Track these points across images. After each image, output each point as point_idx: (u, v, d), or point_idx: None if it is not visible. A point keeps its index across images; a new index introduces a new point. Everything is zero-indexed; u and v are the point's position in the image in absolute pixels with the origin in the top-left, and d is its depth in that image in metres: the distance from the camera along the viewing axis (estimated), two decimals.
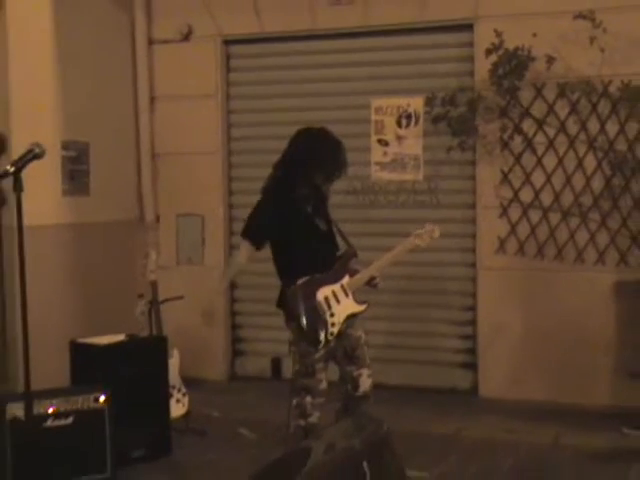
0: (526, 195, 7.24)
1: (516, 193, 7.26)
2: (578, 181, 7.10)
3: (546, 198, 7.19)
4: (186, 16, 8.05)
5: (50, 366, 5.91)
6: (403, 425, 5.91)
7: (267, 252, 5.26)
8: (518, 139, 7.20)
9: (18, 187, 4.02)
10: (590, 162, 7.06)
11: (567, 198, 7.14)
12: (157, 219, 8.26)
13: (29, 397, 4.25)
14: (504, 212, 7.29)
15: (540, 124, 7.15)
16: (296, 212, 5.14)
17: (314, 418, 5.09)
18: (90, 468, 5.34)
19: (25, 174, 4.09)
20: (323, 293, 5.05)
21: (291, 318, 5.07)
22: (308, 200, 5.18)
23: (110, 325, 6.28)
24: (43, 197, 6.91)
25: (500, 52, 6.98)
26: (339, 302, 5.08)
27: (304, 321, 4.98)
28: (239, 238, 5.36)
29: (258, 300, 7.77)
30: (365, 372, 5.17)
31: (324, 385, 5.12)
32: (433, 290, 7.67)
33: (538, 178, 7.20)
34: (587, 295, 7.05)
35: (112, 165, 7.87)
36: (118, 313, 7.03)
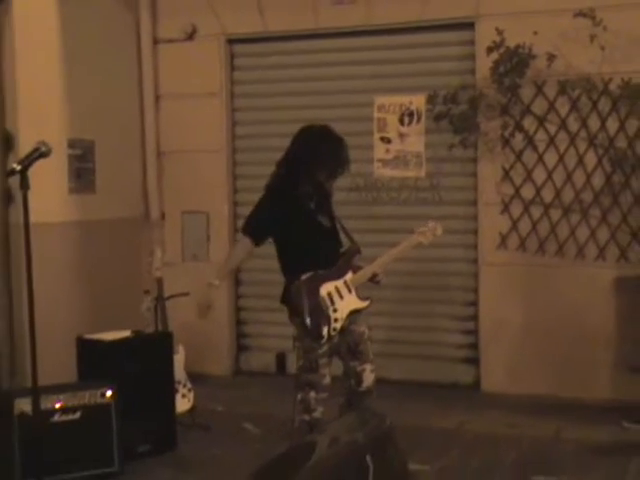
0: (527, 192, 7.23)
1: (517, 190, 7.25)
2: (579, 178, 7.09)
3: (547, 194, 7.18)
4: (190, 15, 8.05)
5: (57, 362, 5.92)
6: (406, 419, 5.90)
7: (271, 249, 5.26)
8: (519, 136, 7.19)
9: (24, 185, 4.03)
10: (590, 159, 7.05)
11: (568, 194, 7.13)
12: (162, 216, 8.26)
13: (36, 392, 4.26)
14: (505, 208, 7.28)
15: (541, 121, 7.13)
16: (299, 209, 5.14)
17: (318, 413, 5.09)
18: (97, 462, 5.36)
19: (32, 172, 4.10)
20: (326, 289, 5.05)
21: (295, 314, 5.07)
22: (311, 197, 5.17)
23: (116, 321, 6.28)
24: (50, 195, 6.92)
25: (501, 50, 6.96)
26: (342, 298, 5.08)
27: (307, 318, 4.98)
28: (240, 234, 5.36)
29: (262, 296, 7.77)
30: (368, 367, 5.18)
31: (328, 380, 5.13)
32: (435, 286, 7.66)
33: (539, 175, 7.19)
34: (588, 290, 7.04)
35: (118, 163, 7.87)
36: (124, 309, 7.03)
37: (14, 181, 4.20)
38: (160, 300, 6.51)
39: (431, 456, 5.69)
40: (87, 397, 5.37)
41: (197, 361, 7.17)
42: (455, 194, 7.59)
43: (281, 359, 7.98)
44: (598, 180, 7.04)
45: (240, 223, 7.86)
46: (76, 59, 7.38)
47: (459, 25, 7.43)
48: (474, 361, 7.55)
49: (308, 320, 4.99)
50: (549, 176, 7.16)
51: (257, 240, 5.20)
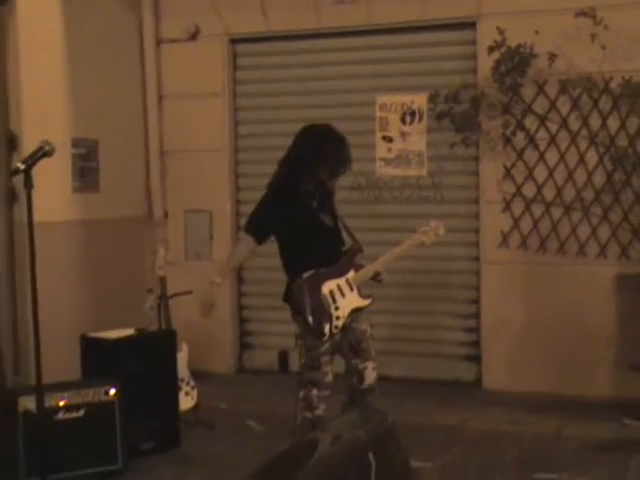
0: (529, 190, 7.23)
1: (519, 188, 7.24)
2: (580, 176, 7.08)
3: (548, 193, 7.18)
4: (193, 15, 8.05)
5: (61, 360, 5.92)
6: (408, 417, 5.91)
7: (273, 247, 5.26)
8: (520, 135, 7.19)
9: (28, 184, 4.04)
10: (591, 157, 7.04)
11: (569, 193, 7.12)
12: (165, 215, 8.26)
13: (41, 390, 4.26)
14: (507, 207, 7.28)
15: (542, 120, 7.13)
16: (301, 208, 5.13)
17: (320, 410, 5.09)
18: (101, 460, 5.35)
19: (36, 171, 4.10)
20: (328, 287, 5.05)
21: (296, 312, 5.07)
22: (313, 196, 5.17)
23: (120, 319, 6.28)
24: (54, 194, 6.93)
25: (502, 49, 6.96)
26: (344, 296, 5.07)
27: (309, 316, 4.98)
28: (242, 232, 5.36)
29: (265, 294, 7.77)
30: (370, 365, 5.17)
31: (330, 378, 5.12)
32: (437, 284, 7.66)
33: (540, 173, 7.19)
34: (589, 288, 7.04)
35: (121, 162, 7.88)
36: (128, 308, 7.03)
37: (18, 180, 4.20)
38: (163, 298, 6.51)
39: (433, 453, 5.68)
40: (91, 395, 5.37)
41: (200, 359, 7.18)
42: (457, 193, 7.58)
43: (284, 357, 7.98)
44: (599, 178, 7.03)
45: (243, 222, 7.85)
46: (79, 59, 7.38)
47: (460, 24, 7.43)
48: (476, 359, 7.55)
49: (310, 318, 4.99)
50: (550, 174, 7.16)
51: (259, 238, 5.21)
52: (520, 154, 7.21)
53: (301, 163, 5.14)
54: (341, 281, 5.09)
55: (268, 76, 8.08)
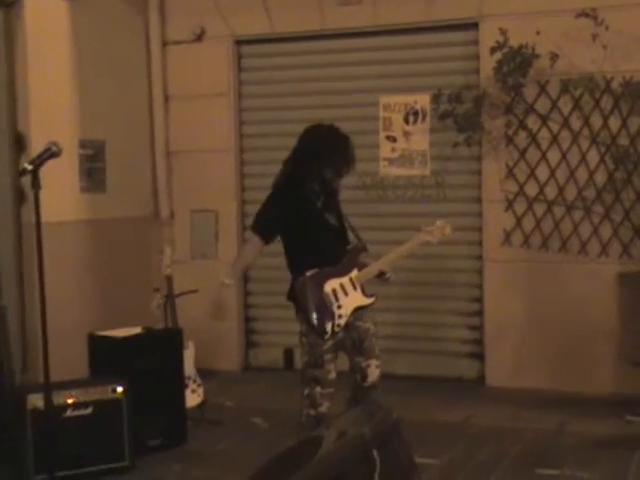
0: (531, 189, 7.22)
1: (521, 187, 7.24)
2: (581, 175, 7.08)
3: (550, 192, 7.17)
4: (199, 17, 8.05)
5: (69, 358, 5.93)
6: (412, 414, 5.90)
7: (279, 246, 5.26)
8: (523, 134, 7.18)
9: (36, 184, 4.04)
10: (593, 156, 7.04)
11: (571, 192, 7.12)
12: (172, 215, 8.27)
13: (49, 388, 4.27)
14: (509, 206, 7.27)
15: (544, 120, 7.12)
16: (306, 207, 5.13)
17: (324, 408, 5.09)
18: (109, 457, 5.36)
19: (44, 172, 4.11)
20: (331, 285, 5.04)
21: (299, 310, 5.07)
22: (318, 195, 5.17)
23: (127, 318, 6.29)
24: (61, 194, 6.94)
25: (505, 50, 6.95)
26: (347, 294, 5.07)
27: (311, 314, 4.98)
28: (249, 232, 5.36)
29: (270, 293, 7.77)
30: (373, 363, 5.16)
31: (333, 375, 5.12)
32: (441, 282, 7.66)
33: (542, 172, 7.18)
34: (591, 286, 7.03)
35: (128, 163, 7.88)
36: (134, 306, 7.04)
37: (27, 181, 4.21)
38: (170, 297, 6.51)
39: (437, 450, 5.68)
40: (99, 393, 5.37)
41: (207, 357, 7.18)
42: (460, 192, 7.58)
43: (289, 355, 7.98)
44: (600, 177, 7.02)
45: (248, 221, 7.90)
46: (86, 61, 7.39)
47: (463, 25, 7.43)
48: (479, 356, 7.54)
49: (312, 316, 4.99)
50: (552, 174, 7.15)
51: (266, 238, 5.20)
52: (522, 153, 7.20)
53: (306, 163, 5.14)
54: (344, 280, 5.09)
55: (273, 77, 8.08)
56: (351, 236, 5.28)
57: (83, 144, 7.41)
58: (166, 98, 8.23)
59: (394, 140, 7.63)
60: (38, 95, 6.95)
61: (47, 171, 4.14)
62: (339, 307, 5.03)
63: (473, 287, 7.58)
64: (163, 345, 5.98)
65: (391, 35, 7.66)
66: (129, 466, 5.41)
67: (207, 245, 8.19)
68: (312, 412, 5.09)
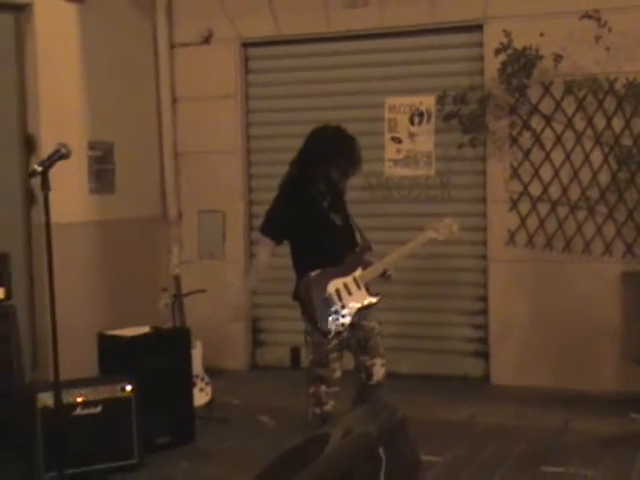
0: (535, 189, 7.21)
1: (525, 187, 7.23)
2: (585, 175, 7.07)
3: (554, 192, 7.17)
4: (206, 20, 8.05)
5: (79, 357, 5.93)
6: (417, 412, 5.90)
7: (285, 246, 5.25)
8: (527, 135, 7.18)
9: (45, 186, 4.05)
10: (597, 157, 7.03)
11: (575, 192, 7.11)
12: (180, 215, 8.28)
13: (58, 387, 4.27)
14: (514, 206, 7.27)
15: (548, 120, 7.11)
16: (312, 208, 5.12)
17: (329, 406, 5.08)
18: (118, 454, 5.36)
19: (54, 174, 4.11)
20: (334, 285, 5.03)
21: (303, 310, 5.07)
22: (324, 196, 5.16)
23: (135, 318, 6.29)
24: (71, 195, 6.95)
25: (509, 51, 6.95)
26: (351, 294, 5.05)
27: (315, 313, 4.98)
28: (258, 234, 5.34)
29: (277, 293, 7.74)
30: (378, 362, 5.14)
31: (338, 374, 5.11)
32: (445, 281, 7.65)
33: (546, 172, 7.18)
34: (594, 285, 7.02)
35: (136, 164, 7.89)
36: (143, 306, 7.04)
37: (36, 182, 4.21)
38: (178, 297, 6.52)
39: (442, 448, 5.68)
40: (108, 391, 5.38)
41: (214, 356, 7.18)
42: (464, 192, 7.57)
43: (295, 353, 7.99)
44: (604, 177, 7.01)
45: (255, 222, 7.93)
46: (95, 64, 7.41)
47: (468, 27, 7.42)
48: (484, 355, 7.54)
49: (316, 316, 4.99)
50: (556, 174, 7.14)
51: (277, 239, 5.18)
52: (526, 154, 7.20)
53: (312, 164, 5.13)
54: (348, 279, 5.07)
55: (279, 79, 8.08)
56: (358, 237, 5.28)
57: (92, 146, 7.42)
58: (174, 100, 8.24)
59: (399, 141, 7.63)
60: (48, 97, 6.97)
61: (56, 172, 4.14)
62: (343, 307, 5.02)
63: (478, 286, 7.57)
64: (171, 344, 5.99)
65: (396, 37, 7.66)
66: (138, 464, 5.42)
67: (215, 245, 8.20)
68: (318, 410, 5.09)
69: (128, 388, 5.42)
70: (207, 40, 8.10)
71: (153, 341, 5.92)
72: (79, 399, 5.28)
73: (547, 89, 7.08)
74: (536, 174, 7.19)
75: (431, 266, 7.52)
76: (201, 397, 6.30)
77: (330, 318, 4.99)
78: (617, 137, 6.93)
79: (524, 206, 7.25)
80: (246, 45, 8.14)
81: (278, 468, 4.39)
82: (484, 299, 7.51)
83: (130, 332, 5.86)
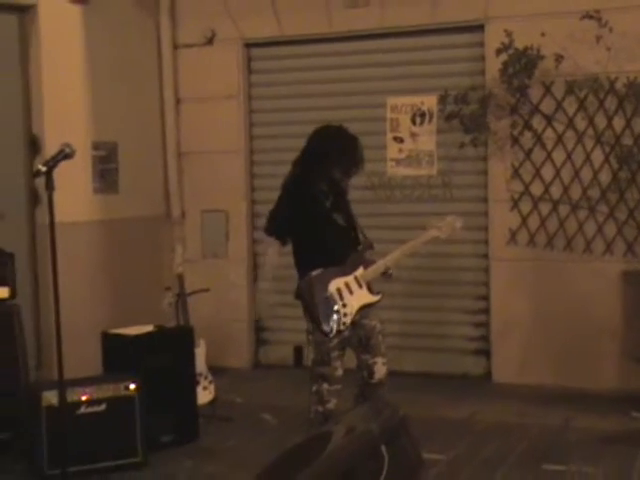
0: (536, 188, 7.20)
1: (527, 187, 7.22)
2: (586, 175, 7.06)
3: (555, 191, 7.16)
4: (209, 21, 8.05)
5: (83, 356, 5.95)
6: (419, 410, 5.89)
7: (288, 246, 5.25)
8: (528, 135, 7.17)
9: (50, 185, 4.05)
10: (597, 156, 7.02)
11: (576, 191, 7.10)
12: (183, 215, 8.28)
13: (63, 385, 4.28)
14: (515, 205, 7.26)
15: (549, 120, 7.11)
16: (314, 207, 5.12)
17: (331, 404, 5.09)
18: (122, 453, 5.36)
19: (58, 173, 4.12)
20: (336, 284, 5.03)
21: (305, 309, 5.07)
22: (326, 195, 5.16)
23: (139, 316, 6.30)
24: (75, 195, 6.96)
25: (510, 51, 6.94)
26: (352, 293, 5.05)
27: (316, 313, 4.98)
28: (264, 235, 5.32)
29: (280, 291, 7.77)
30: (380, 360, 5.14)
31: (340, 372, 5.11)
32: (447, 280, 7.65)
33: (548, 172, 7.17)
34: (595, 284, 7.01)
35: (140, 164, 7.89)
36: (147, 305, 7.06)
37: (41, 182, 4.22)
38: (181, 296, 6.52)
39: (444, 445, 5.68)
40: (112, 390, 5.38)
41: (218, 354, 7.18)
42: (466, 191, 7.57)
43: (298, 352, 7.98)
44: (605, 177, 7.01)
45: (258, 221, 7.94)
46: (99, 65, 7.41)
47: (469, 27, 7.41)
48: (485, 353, 7.53)
49: (317, 315, 4.99)
50: (557, 173, 7.14)
51: (280, 238, 5.19)
52: (528, 153, 7.19)
53: (314, 163, 5.13)
54: (349, 279, 5.07)
55: (282, 79, 8.08)
56: (361, 236, 5.28)
57: (96, 146, 7.43)
58: (177, 100, 8.24)
59: (401, 141, 7.63)
60: (52, 98, 6.98)
61: (61, 172, 4.15)
62: (344, 306, 5.02)
63: (479, 285, 7.57)
64: (175, 343, 5.99)
65: (398, 37, 7.65)
66: (142, 462, 5.42)
67: (218, 244, 8.20)
68: (320, 409, 5.09)
69: (132, 387, 5.42)
70: (210, 41, 8.10)
71: (157, 340, 5.92)
72: (83, 397, 5.28)
73: (548, 89, 7.07)
74: (537, 174, 7.19)
75: (433, 265, 7.51)
76: (204, 395, 6.30)
77: (331, 317, 5.00)
78: (618, 137, 6.92)
79: (525, 205, 7.24)
80: (249, 46, 8.13)
81: (281, 466, 4.39)
82: (485, 298, 7.51)
83: (134, 331, 5.86)
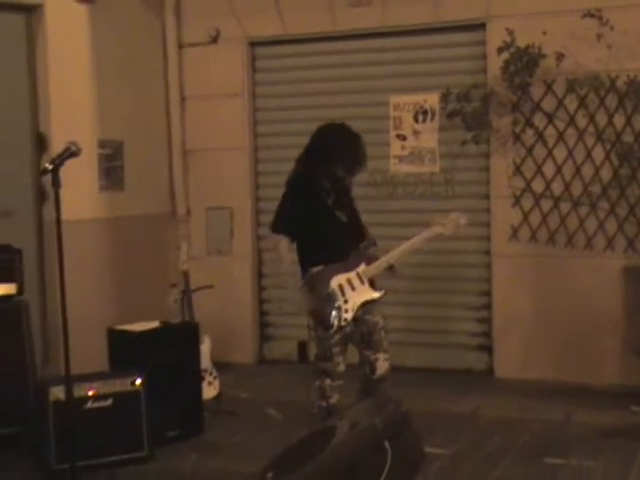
0: (538, 185, 7.20)
1: (528, 183, 7.22)
2: (587, 171, 7.05)
3: (557, 188, 7.15)
4: (214, 20, 8.05)
5: (90, 352, 5.95)
6: (422, 405, 5.90)
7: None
8: (529, 132, 7.16)
9: (56, 183, 4.06)
10: (598, 153, 7.01)
11: (577, 188, 7.09)
12: (188, 212, 8.28)
13: (70, 381, 4.29)
14: (517, 202, 7.25)
15: (550, 118, 7.10)
16: (317, 204, 5.12)
17: (334, 399, 5.09)
18: (128, 447, 5.37)
19: (64, 171, 4.12)
20: (337, 281, 5.03)
21: (307, 305, 5.07)
22: (329, 193, 5.16)
23: (145, 313, 6.29)
24: (81, 193, 6.96)
25: (512, 50, 6.93)
26: (354, 289, 5.04)
27: (318, 309, 4.98)
28: (271, 233, 5.27)
29: (284, 287, 7.75)
30: (382, 356, 5.13)
31: (342, 368, 5.11)
32: (450, 276, 7.64)
33: (549, 169, 7.16)
34: (596, 280, 7.01)
35: (145, 162, 7.90)
36: (152, 301, 7.05)
37: (47, 180, 4.22)
38: (186, 292, 6.52)
39: (446, 440, 5.68)
40: (118, 385, 5.39)
41: (222, 350, 7.18)
42: (468, 188, 7.56)
43: (302, 348, 7.97)
44: (606, 174, 7.00)
45: (262, 218, 7.95)
46: (106, 64, 7.41)
47: (471, 26, 7.40)
48: (487, 348, 7.53)
49: (319, 311, 4.99)
50: (559, 170, 7.13)
51: (290, 235, 5.16)
52: (529, 151, 7.18)
53: (317, 160, 5.13)
54: (351, 275, 5.07)
55: (286, 77, 8.08)
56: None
57: (102, 144, 7.43)
58: (182, 99, 8.24)
59: (404, 138, 7.63)
60: (59, 97, 6.98)
61: (67, 170, 4.15)
62: (345, 302, 5.02)
63: (481, 281, 7.56)
64: (180, 339, 5.99)
65: (400, 36, 7.64)
66: (148, 456, 5.43)
67: (222, 241, 8.20)
68: (323, 404, 5.09)
69: (138, 382, 5.43)
70: (215, 40, 8.10)
71: (162, 336, 5.92)
72: (90, 393, 5.29)
73: (549, 87, 7.06)
74: (539, 170, 7.18)
75: (435, 261, 7.51)
76: (209, 391, 6.30)
77: (333, 313, 5.00)
78: (618, 134, 6.91)
79: (527, 202, 7.24)
80: (253, 44, 8.13)
81: (285, 460, 4.39)
82: (488, 294, 7.51)
83: (139, 327, 5.86)
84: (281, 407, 6.51)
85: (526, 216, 7.24)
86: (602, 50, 6.73)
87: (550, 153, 7.14)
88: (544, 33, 6.82)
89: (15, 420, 5.64)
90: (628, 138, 6.89)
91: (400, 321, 7.44)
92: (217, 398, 6.38)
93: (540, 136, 7.14)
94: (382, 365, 5.14)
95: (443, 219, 5.16)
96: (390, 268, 5.17)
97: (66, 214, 4.20)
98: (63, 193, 4.09)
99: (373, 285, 5.13)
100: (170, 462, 5.44)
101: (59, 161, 4.09)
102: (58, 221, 4.08)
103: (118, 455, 5.31)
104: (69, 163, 4.14)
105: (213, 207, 8.20)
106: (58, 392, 5.08)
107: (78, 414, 5.05)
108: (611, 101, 6.91)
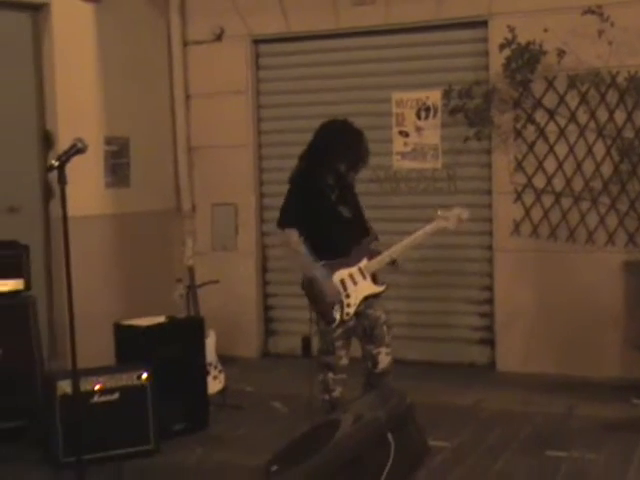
0: (539, 181, 7.19)
1: (530, 179, 7.20)
2: (588, 167, 7.04)
3: (558, 183, 7.14)
4: (218, 18, 8.04)
5: (96, 346, 5.94)
6: (425, 398, 5.88)
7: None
8: (531, 128, 7.15)
9: (62, 180, 4.05)
10: (599, 149, 6.99)
11: (578, 183, 7.08)
12: (193, 208, 8.28)
13: (77, 375, 4.28)
14: (518, 197, 7.24)
15: (551, 114, 7.08)
16: (320, 200, 5.12)
17: (337, 393, 5.09)
18: (134, 440, 5.37)
19: (71, 168, 4.11)
20: (340, 275, 5.03)
21: (309, 300, 5.07)
22: (332, 189, 5.16)
23: (151, 308, 6.29)
24: (87, 189, 6.97)
25: (513, 47, 6.91)
26: (356, 284, 5.05)
27: (320, 303, 4.98)
28: (280, 229, 5.25)
29: (288, 282, 7.75)
30: (384, 350, 5.13)
31: (344, 362, 5.11)
32: (452, 271, 7.63)
33: (550, 165, 7.15)
34: (597, 274, 6.99)
35: (151, 158, 7.89)
36: (158, 296, 7.05)
37: (54, 176, 4.22)
38: (192, 287, 6.52)
39: (449, 433, 5.67)
40: (124, 379, 5.39)
41: (227, 345, 7.18)
42: (470, 184, 7.55)
43: (306, 342, 7.95)
44: (607, 169, 6.98)
45: (267, 214, 7.95)
46: (111, 62, 7.41)
47: (473, 23, 7.38)
48: (490, 342, 7.52)
49: (321, 305, 4.99)
50: (560, 166, 7.12)
51: (299, 229, 5.14)
52: (531, 147, 7.17)
53: (320, 157, 5.13)
54: (353, 270, 5.07)
55: (289, 75, 8.07)
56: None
57: (108, 141, 7.43)
58: (187, 96, 8.23)
59: (407, 135, 7.61)
60: (65, 94, 6.98)
61: (73, 167, 4.15)
62: (347, 296, 5.02)
63: (484, 276, 7.56)
64: (186, 333, 5.98)
65: (403, 33, 7.62)
66: (154, 449, 5.43)
67: (227, 237, 8.20)
68: (327, 397, 5.10)
69: (144, 376, 5.43)
70: (219, 37, 8.09)
71: (168, 330, 5.92)
72: (97, 387, 5.29)
73: (551, 83, 7.05)
74: (540, 166, 7.17)
75: (438, 256, 7.50)
76: (215, 385, 6.30)
77: (335, 307, 4.99)
78: (619, 130, 6.90)
79: (529, 197, 7.22)
80: (257, 42, 8.12)
81: (290, 453, 4.40)
82: (490, 288, 7.50)
83: (145, 322, 5.86)
84: (286, 400, 6.51)
85: (528, 211, 7.23)
86: (603, 46, 6.71)
87: (551, 149, 7.12)
88: (545, 30, 6.80)
89: (23, 413, 5.65)
90: (629, 134, 6.88)
91: (403, 315, 7.43)
92: (222, 392, 6.38)
93: (541, 132, 7.12)
94: (384, 359, 5.14)
95: (446, 213, 5.15)
96: (393, 263, 5.17)
97: (72, 210, 4.20)
98: (69, 190, 4.08)
99: (375, 280, 5.12)
100: (176, 455, 5.44)
101: (65, 158, 4.08)
102: (64, 217, 4.07)
103: (124, 448, 5.31)
104: (75, 160, 4.13)
105: (218, 203, 8.19)
106: (65, 386, 5.08)
107: (85, 408, 5.05)
108: (612, 97, 6.89)
